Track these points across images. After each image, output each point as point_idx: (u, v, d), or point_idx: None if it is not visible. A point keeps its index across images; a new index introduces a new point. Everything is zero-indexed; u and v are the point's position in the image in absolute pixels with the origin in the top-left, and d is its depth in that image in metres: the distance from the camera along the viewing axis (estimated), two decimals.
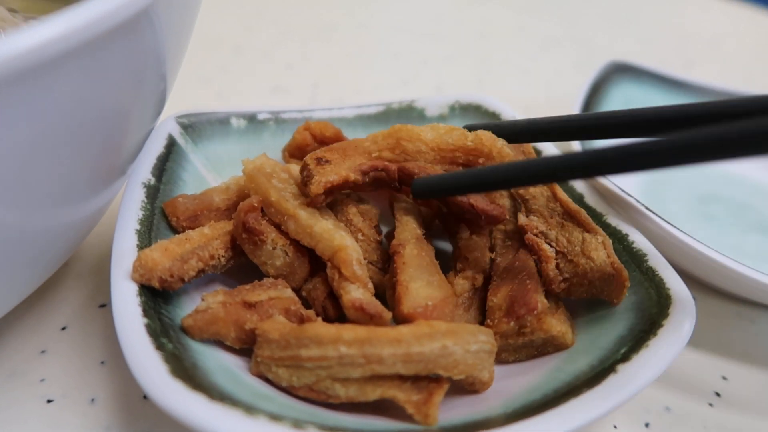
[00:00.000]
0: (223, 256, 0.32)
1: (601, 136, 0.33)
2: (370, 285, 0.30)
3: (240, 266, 0.33)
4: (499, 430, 0.24)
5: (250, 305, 0.29)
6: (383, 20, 0.83)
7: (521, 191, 0.36)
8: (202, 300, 0.30)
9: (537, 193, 0.36)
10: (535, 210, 0.35)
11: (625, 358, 0.27)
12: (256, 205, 0.31)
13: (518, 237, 0.34)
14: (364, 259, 0.31)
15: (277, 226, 0.32)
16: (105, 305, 0.36)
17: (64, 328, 0.34)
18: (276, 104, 0.61)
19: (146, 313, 0.27)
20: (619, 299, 0.32)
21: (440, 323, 0.27)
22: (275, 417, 0.24)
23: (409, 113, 0.45)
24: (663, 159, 0.24)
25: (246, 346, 0.29)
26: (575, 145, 0.42)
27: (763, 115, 0.23)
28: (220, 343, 0.29)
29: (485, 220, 0.32)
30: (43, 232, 0.26)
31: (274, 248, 0.31)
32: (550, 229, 0.33)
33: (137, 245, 0.30)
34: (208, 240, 0.31)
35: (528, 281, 0.31)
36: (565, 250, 0.32)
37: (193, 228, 0.33)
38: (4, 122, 0.19)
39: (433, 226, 0.37)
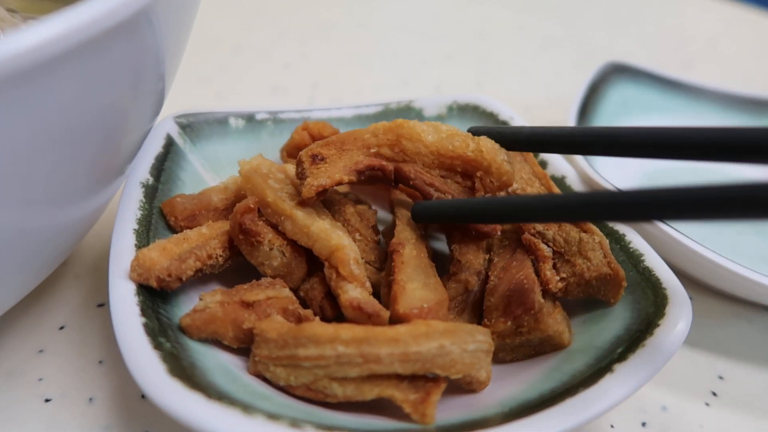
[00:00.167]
0: (221, 256, 0.32)
1: (605, 153, 0.31)
2: (368, 284, 0.30)
3: (238, 266, 0.33)
4: (496, 429, 0.24)
5: (248, 305, 0.29)
6: (382, 19, 0.83)
7: (518, 191, 0.36)
8: (200, 299, 0.30)
9: (534, 192, 0.36)
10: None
11: (621, 357, 0.27)
12: (252, 206, 0.31)
13: (515, 237, 0.34)
14: (362, 258, 0.31)
15: (274, 227, 0.32)
16: (103, 305, 0.36)
17: (62, 328, 0.34)
18: (274, 104, 0.61)
19: (144, 312, 0.27)
20: (615, 299, 0.32)
21: (438, 323, 0.27)
22: (273, 416, 0.24)
23: (407, 113, 0.45)
24: (646, 213, 0.24)
25: (244, 346, 0.29)
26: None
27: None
28: (218, 343, 0.29)
29: (476, 234, 0.32)
30: (41, 232, 0.26)
31: (271, 249, 0.31)
32: (547, 229, 0.33)
33: (135, 245, 0.31)
34: (206, 240, 0.32)
35: (525, 281, 0.31)
36: (562, 250, 0.33)
37: (191, 228, 0.33)
38: (2, 122, 0.20)
39: (431, 227, 0.37)
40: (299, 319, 0.30)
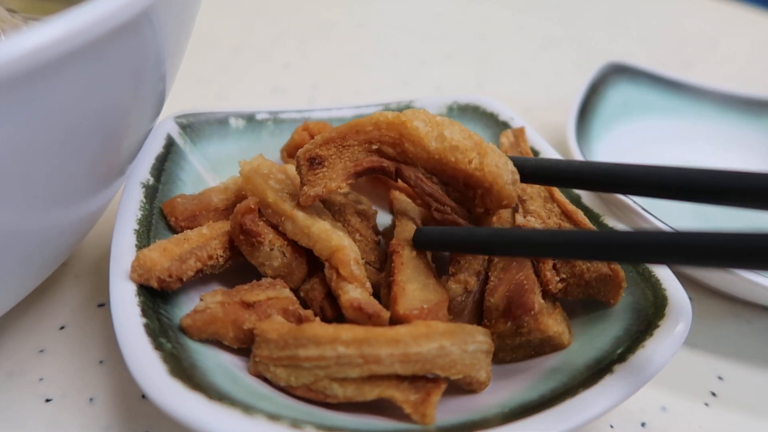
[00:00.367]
0: (221, 256, 0.32)
1: (609, 190, 0.31)
2: (368, 285, 0.30)
3: (238, 266, 0.33)
4: (496, 429, 0.25)
5: (248, 305, 0.29)
6: (382, 19, 0.83)
7: (518, 191, 0.36)
8: (201, 300, 0.30)
9: (534, 193, 0.36)
10: (532, 210, 0.35)
11: (621, 358, 0.27)
12: (252, 206, 0.31)
13: None
14: (362, 259, 0.31)
15: (275, 227, 0.32)
16: (103, 305, 0.36)
17: (62, 328, 0.34)
18: (275, 104, 0.61)
19: (145, 313, 0.27)
20: (615, 300, 0.32)
21: (438, 323, 0.27)
22: (273, 417, 0.24)
23: None
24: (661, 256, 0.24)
25: (244, 346, 0.29)
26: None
27: None
28: (218, 343, 0.29)
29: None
30: (42, 232, 0.26)
31: (271, 249, 0.31)
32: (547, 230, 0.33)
33: (136, 245, 0.31)
34: (207, 240, 0.32)
35: (525, 282, 0.31)
36: None
37: (191, 228, 0.33)
38: (4, 123, 0.20)
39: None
40: (300, 320, 0.30)
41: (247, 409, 0.24)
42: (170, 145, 0.38)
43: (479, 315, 0.32)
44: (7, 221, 0.23)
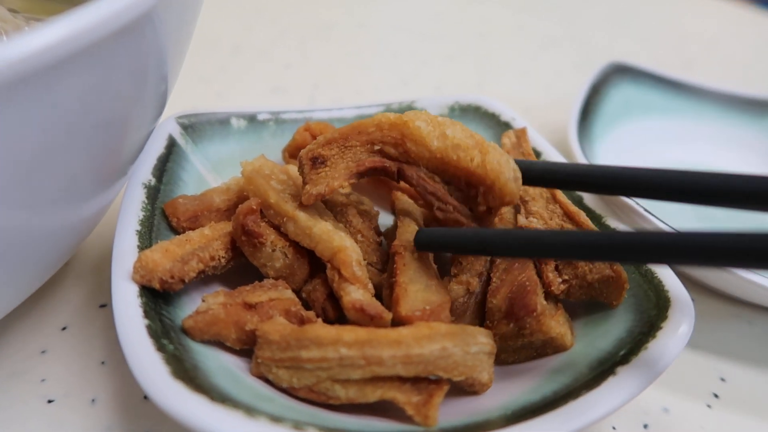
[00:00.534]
0: (223, 257, 0.32)
1: (622, 193, 0.30)
2: (370, 286, 0.30)
3: (240, 267, 0.33)
4: (498, 431, 0.24)
5: (250, 306, 0.29)
6: (382, 19, 0.83)
7: (520, 192, 0.36)
8: (203, 301, 0.30)
9: (536, 194, 0.36)
10: (534, 212, 0.35)
11: (624, 360, 0.27)
12: (254, 207, 0.31)
13: None
14: (364, 260, 0.31)
15: (277, 228, 0.32)
16: (105, 305, 0.36)
17: (64, 328, 0.34)
18: (276, 104, 0.61)
19: (147, 314, 0.27)
20: (618, 301, 0.32)
21: (440, 325, 0.27)
22: (276, 418, 0.24)
23: None
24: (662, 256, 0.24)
25: (246, 347, 0.29)
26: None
27: None
28: (220, 344, 0.29)
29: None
30: (44, 233, 0.26)
31: (273, 250, 0.31)
32: None
33: (138, 246, 0.31)
34: (209, 241, 0.32)
35: (527, 283, 0.31)
36: None
37: (193, 229, 0.33)
38: (8, 125, 0.20)
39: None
40: (302, 321, 0.30)
41: (249, 410, 0.24)
42: (172, 145, 0.38)
43: (481, 316, 0.32)
44: (10, 222, 0.23)
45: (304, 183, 0.31)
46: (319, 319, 0.30)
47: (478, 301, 0.32)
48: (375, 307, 0.29)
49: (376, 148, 0.32)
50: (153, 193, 0.34)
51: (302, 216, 0.31)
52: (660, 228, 0.36)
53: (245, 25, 0.77)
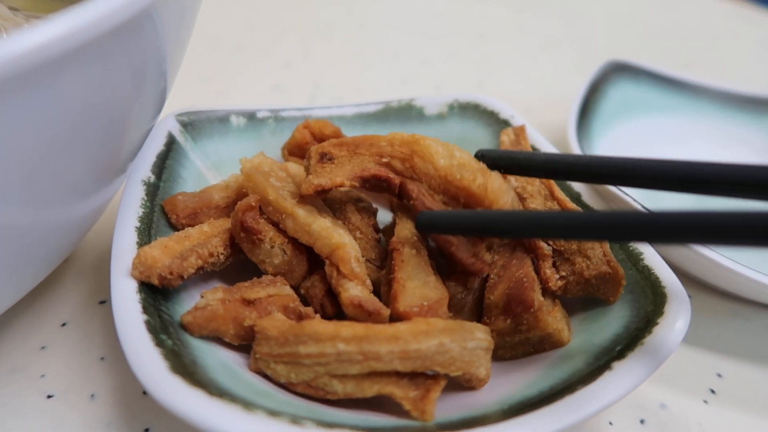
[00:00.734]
0: (222, 254, 0.32)
1: (622, 184, 0.30)
2: (369, 282, 0.31)
3: (239, 263, 0.33)
4: (495, 426, 0.25)
5: (248, 302, 0.29)
6: (383, 19, 0.83)
7: (518, 189, 0.36)
8: (202, 297, 0.30)
9: (534, 191, 0.36)
10: (532, 209, 0.35)
11: (620, 355, 0.27)
12: (253, 204, 0.31)
13: None
14: (362, 256, 0.32)
15: (276, 225, 0.32)
16: (105, 302, 0.36)
17: (64, 325, 0.35)
18: (276, 102, 0.61)
19: (146, 310, 0.28)
20: (615, 297, 0.32)
21: (437, 320, 0.27)
22: (273, 413, 0.24)
23: (408, 112, 0.45)
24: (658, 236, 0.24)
25: (245, 343, 0.29)
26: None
27: None
28: (219, 340, 0.30)
29: (461, 269, 0.32)
30: (44, 229, 0.26)
31: (272, 247, 0.31)
32: None
33: (137, 242, 0.31)
34: (208, 237, 0.32)
35: (525, 279, 0.31)
36: (562, 248, 0.33)
37: (192, 225, 0.33)
38: (6, 121, 0.20)
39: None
40: (300, 317, 0.30)
41: (247, 405, 0.24)
42: (171, 142, 0.38)
43: (479, 312, 0.32)
44: (9, 218, 0.23)
45: (307, 174, 0.31)
46: (318, 315, 0.30)
47: (476, 298, 0.32)
48: (373, 303, 0.29)
49: (384, 160, 0.33)
50: (152, 190, 0.34)
51: (301, 213, 0.31)
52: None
53: (246, 23, 0.77)
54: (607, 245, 0.33)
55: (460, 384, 0.29)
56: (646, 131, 0.56)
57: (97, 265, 0.39)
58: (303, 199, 0.32)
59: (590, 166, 0.32)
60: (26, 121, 0.20)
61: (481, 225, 0.30)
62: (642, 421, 0.33)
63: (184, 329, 0.29)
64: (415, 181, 0.33)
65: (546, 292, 0.32)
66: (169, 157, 0.37)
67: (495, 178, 0.32)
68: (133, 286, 0.28)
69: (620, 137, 0.54)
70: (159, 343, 0.26)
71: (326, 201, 0.34)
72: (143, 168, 0.35)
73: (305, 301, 0.32)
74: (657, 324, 0.28)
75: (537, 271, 0.32)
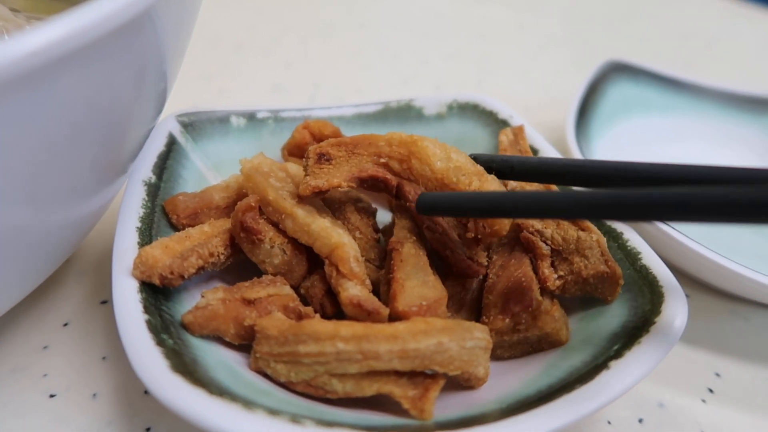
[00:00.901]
0: (222, 254, 0.32)
1: (614, 186, 0.31)
2: (368, 282, 0.31)
3: (239, 263, 0.34)
4: (493, 425, 0.25)
5: (249, 302, 0.30)
6: (383, 19, 0.83)
7: (518, 188, 0.36)
8: (202, 297, 0.30)
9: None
10: None
11: (617, 354, 0.28)
12: (253, 204, 0.32)
13: (514, 235, 0.34)
14: (362, 256, 0.32)
15: (275, 225, 0.32)
16: (106, 302, 0.36)
17: (66, 325, 0.35)
18: (276, 103, 0.61)
19: (147, 309, 0.28)
20: (613, 297, 0.32)
21: (436, 320, 0.27)
22: (273, 412, 0.24)
23: (408, 112, 0.45)
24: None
25: (245, 342, 0.30)
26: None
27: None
28: (219, 340, 0.30)
29: (457, 271, 0.32)
30: (45, 230, 0.26)
31: (272, 247, 0.32)
32: (545, 228, 0.34)
33: (138, 243, 0.31)
34: (208, 238, 0.32)
35: (523, 279, 0.31)
36: (560, 248, 0.33)
37: (193, 226, 0.33)
38: (8, 122, 0.20)
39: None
40: (300, 316, 0.30)
41: (247, 404, 0.24)
42: (172, 143, 0.38)
43: (478, 312, 0.32)
44: (11, 219, 0.23)
45: (306, 175, 0.32)
46: (317, 315, 0.30)
47: (475, 297, 0.32)
48: (372, 302, 0.29)
49: (382, 160, 0.33)
50: (153, 191, 0.35)
51: (301, 213, 0.31)
52: (660, 230, 0.36)
53: (247, 24, 0.77)
54: (604, 244, 0.33)
55: (458, 383, 0.29)
56: (646, 131, 0.56)
57: (99, 265, 0.39)
58: (302, 199, 0.32)
59: (584, 169, 0.32)
60: (27, 123, 0.21)
61: (482, 205, 0.29)
62: (640, 420, 0.33)
63: (184, 329, 0.29)
64: (412, 183, 0.33)
65: (544, 291, 0.32)
66: (169, 157, 0.37)
67: (492, 184, 0.32)
68: (134, 285, 0.29)
69: (619, 137, 0.54)
70: (160, 342, 0.26)
71: (326, 201, 0.35)
72: (144, 168, 0.35)
73: (305, 301, 0.32)
74: (654, 323, 0.29)
75: (535, 270, 0.33)
